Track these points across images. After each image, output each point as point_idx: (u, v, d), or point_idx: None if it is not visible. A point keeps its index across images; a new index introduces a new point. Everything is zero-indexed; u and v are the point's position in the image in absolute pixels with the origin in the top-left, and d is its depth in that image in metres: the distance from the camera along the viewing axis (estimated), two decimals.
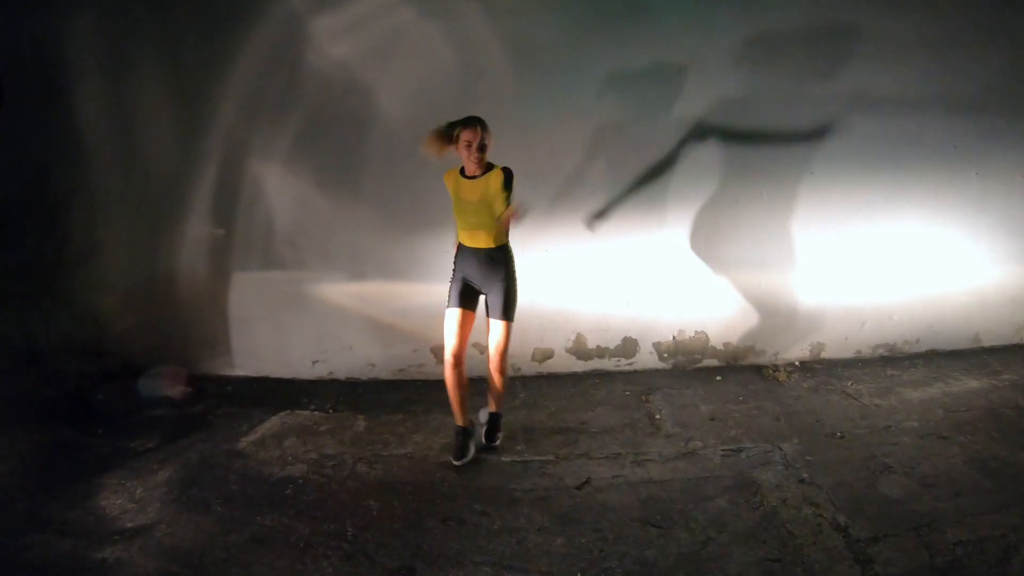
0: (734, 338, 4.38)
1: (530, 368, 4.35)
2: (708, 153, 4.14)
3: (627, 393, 4.01)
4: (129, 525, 2.90)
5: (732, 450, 3.35)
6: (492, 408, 3.53)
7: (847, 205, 4.33)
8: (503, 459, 3.31)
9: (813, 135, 4.22)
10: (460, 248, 3.36)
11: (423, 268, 4.20)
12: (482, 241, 3.26)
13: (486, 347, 3.40)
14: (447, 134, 3.16)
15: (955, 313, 4.54)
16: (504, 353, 3.33)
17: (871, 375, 4.26)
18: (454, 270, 3.37)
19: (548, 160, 4.12)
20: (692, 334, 4.35)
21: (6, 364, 4.41)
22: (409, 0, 4.04)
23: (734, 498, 2.92)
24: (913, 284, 4.49)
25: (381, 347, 4.34)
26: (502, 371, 3.38)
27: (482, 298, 3.36)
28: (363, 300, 4.29)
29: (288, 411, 3.97)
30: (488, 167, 3.20)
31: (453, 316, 3.31)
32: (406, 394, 4.16)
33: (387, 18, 4.08)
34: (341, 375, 4.42)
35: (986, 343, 4.58)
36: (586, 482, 3.04)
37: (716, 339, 4.37)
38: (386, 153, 4.14)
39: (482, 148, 3.15)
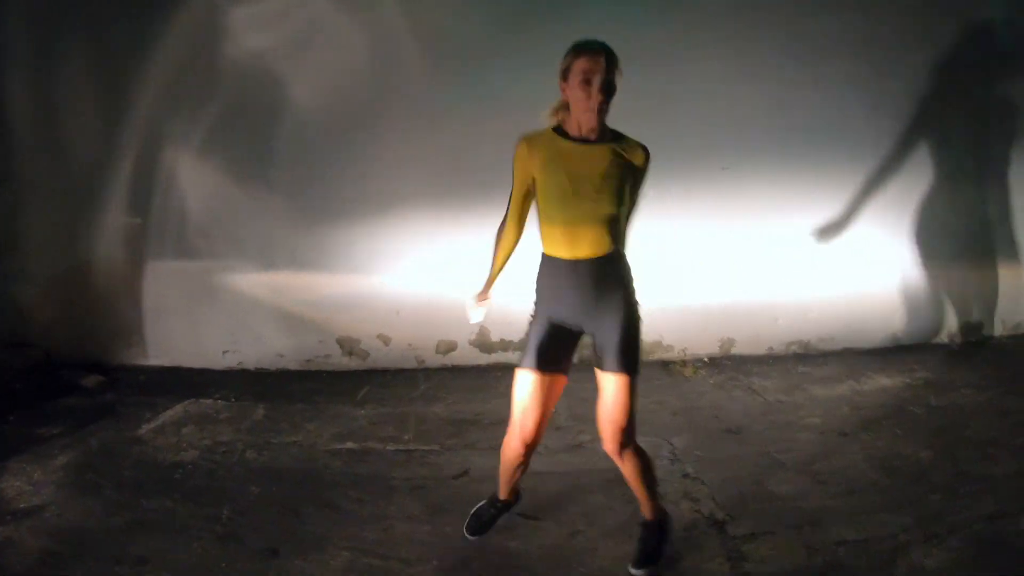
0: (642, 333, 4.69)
1: (434, 360, 4.62)
2: None
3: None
4: (22, 506, 3.12)
5: None
6: (646, 512, 2.57)
7: (762, 201, 4.59)
8: (388, 448, 3.58)
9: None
10: (546, 264, 2.37)
11: (332, 259, 4.46)
12: (590, 246, 2.28)
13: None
14: (559, 79, 2.28)
15: (873, 312, 4.84)
16: (626, 430, 2.36)
17: (781, 372, 4.53)
18: (537, 304, 2.42)
19: (459, 150, 4.34)
20: None
21: None
22: None
23: (612, 492, 3.05)
24: (829, 282, 4.76)
25: (289, 338, 4.60)
26: (628, 450, 2.41)
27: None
28: (273, 290, 4.54)
29: (193, 400, 4.22)
30: (609, 132, 2.32)
31: (528, 383, 2.35)
32: (310, 384, 4.42)
33: (304, 9, 4.31)
34: (251, 365, 4.67)
35: (906, 342, 4.87)
36: (464, 473, 3.31)
37: None
38: (298, 144, 4.38)
39: (609, 89, 2.20)
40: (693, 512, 2.94)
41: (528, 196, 2.38)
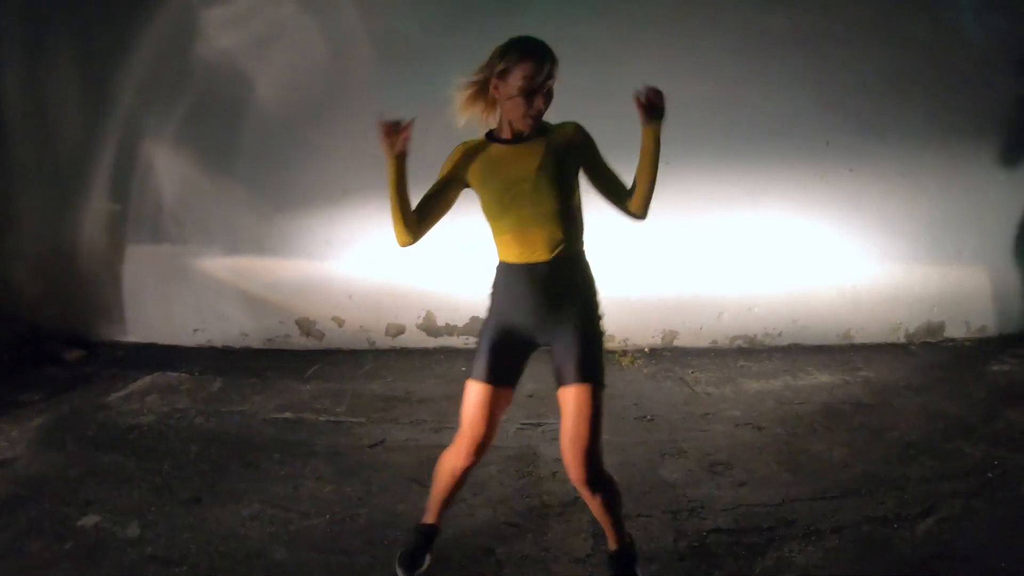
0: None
1: (384, 342, 5.03)
2: None
3: (463, 369, 4.70)
4: None
5: (531, 424, 3.86)
6: (611, 543, 2.42)
7: (707, 197, 4.80)
8: (320, 419, 4.00)
9: None
10: (501, 271, 2.31)
11: (290, 245, 4.90)
12: (543, 247, 2.20)
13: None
14: (488, 74, 2.19)
15: (824, 309, 5.02)
16: (590, 451, 2.18)
17: (720, 365, 4.72)
18: (490, 312, 2.33)
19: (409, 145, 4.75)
20: None
21: None
22: None
23: (507, 467, 3.34)
24: (777, 278, 4.96)
25: (252, 318, 5.05)
26: (596, 478, 2.23)
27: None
28: (237, 274, 4.99)
29: (160, 373, 4.69)
30: (539, 127, 2.22)
31: (478, 395, 2.26)
32: (268, 362, 4.85)
33: (269, 11, 4.71)
34: (218, 343, 5.13)
35: (858, 340, 5.04)
36: (380, 443, 3.70)
37: None
38: (261, 136, 4.79)
39: (549, 94, 2.16)
40: (576, 491, 3.25)
41: (440, 196, 2.31)
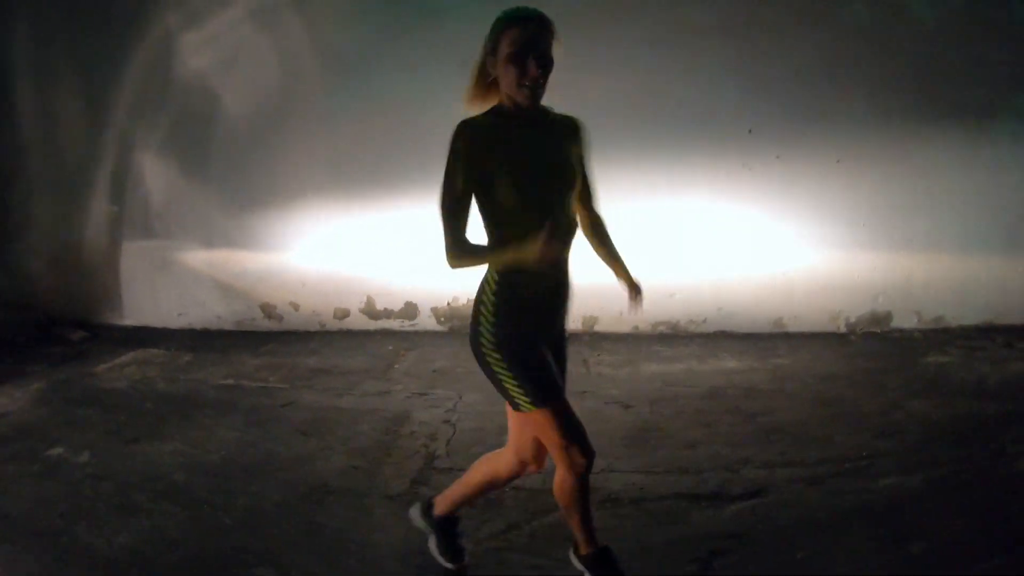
0: None
1: (332, 324, 5.92)
2: None
3: (390, 348, 5.52)
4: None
5: (419, 394, 4.50)
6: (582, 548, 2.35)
7: (628, 185, 4.98)
8: (254, 385, 4.89)
9: None
10: (510, 277, 2.12)
11: (254, 238, 5.85)
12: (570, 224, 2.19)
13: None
14: (484, 56, 2.11)
15: (753, 296, 5.22)
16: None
17: (632, 349, 5.10)
18: (509, 331, 2.13)
19: (352, 146, 5.53)
20: (465, 301, 5.73)
21: None
22: (248, 18, 5.55)
23: (378, 426, 3.97)
24: (702, 265, 5.22)
25: (224, 303, 6.02)
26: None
27: None
28: (211, 264, 5.96)
29: (143, 350, 5.72)
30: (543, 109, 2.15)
31: (562, 405, 2.16)
32: (234, 341, 5.81)
33: (232, 34, 5.62)
34: (198, 326, 6.13)
35: (791, 329, 5.23)
36: (290, 403, 4.54)
37: None
38: (228, 144, 5.74)
39: (546, 62, 2.04)
40: (422, 447, 3.73)
41: (469, 196, 2.06)
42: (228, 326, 6.06)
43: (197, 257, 6.01)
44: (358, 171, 5.55)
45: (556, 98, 4.93)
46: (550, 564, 2.66)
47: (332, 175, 5.57)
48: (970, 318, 5.15)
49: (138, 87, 5.83)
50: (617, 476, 3.24)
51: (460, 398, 4.42)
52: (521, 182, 2.03)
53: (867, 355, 4.80)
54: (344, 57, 5.49)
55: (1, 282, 6.33)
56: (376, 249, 5.66)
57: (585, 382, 4.51)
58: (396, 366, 5.18)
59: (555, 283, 2.18)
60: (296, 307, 5.84)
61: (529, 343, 2.12)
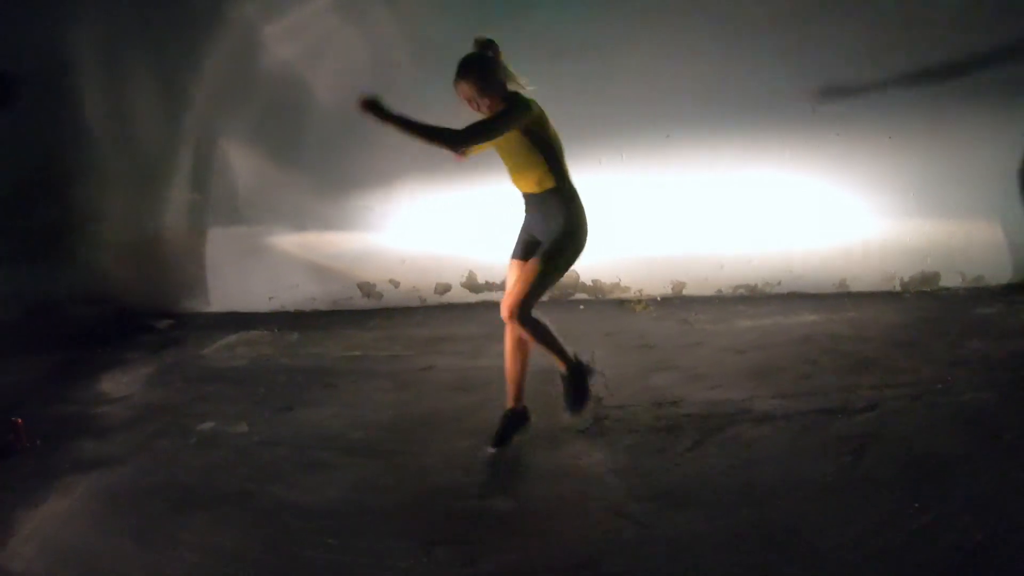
0: (602, 276, 5.93)
1: (433, 299, 6.00)
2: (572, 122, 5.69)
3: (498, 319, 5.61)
4: (117, 396, 4.57)
5: None
6: (560, 367, 3.48)
7: (707, 164, 5.58)
8: (380, 354, 4.95)
9: None
10: (574, 189, 3.29)
11: (350, 221, 5.90)
12: (523, 185, 3.28)
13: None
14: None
15: (820, 260, 5.69)
16: (515, 296, 3.21)
17: (720, 309, 5.47)
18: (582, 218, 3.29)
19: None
20: None
21: (23, 313, 6.15)
22: (334, 10, 5.63)
23: (530, 379, 4.15)
24: (774, 234, 5.69)
25: (319, 285, 6.05)
26: (513, 315, 3.24)
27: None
28: (305, 247, 6.01)
29: (244, 332, 5.73)
30: (505, 100, 3.14)
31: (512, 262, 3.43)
32: (335, 319, 5.85)
33: (318, 25, 5.69)
34: (290, 308, 6.15)
35: (853, 289, 5.68)
36: (429, 367, 4.63)
37: (586, 277, 5.89)
38: (320, 132, 5.78)
39: (480, 105, 3.16)
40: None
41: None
42: (323, 307, 6.08)
43: (289, 241, 6.04)
44: (450, 154, 5.60)
45: (636, 84, 5.15)
46: None
47: (427, 157, 5.54)
48: (1006, 277, 5.62)
49: (219, 76, 5.84)
50: (759, 401, 3.75)
51: (593, 352, 4.53)
52: (556, 138, 3.24)
53: (922, 309, 5.27)
54: (434, 49, 5.52)
55: (73, 276, 6.25)
56: (476, 224, 5.75)
57: (696, 335, 4.97)
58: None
59: (530, 203, 3.33)
60: (396, 284, 5.91)
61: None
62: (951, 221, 5.61)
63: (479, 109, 3.14)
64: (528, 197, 3.30)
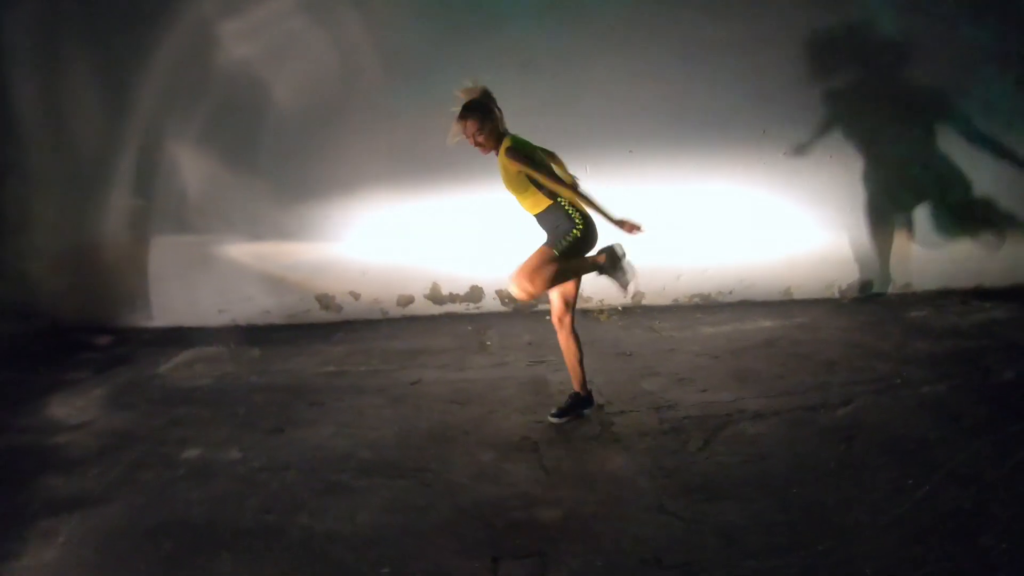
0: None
1: (396, 311, 5.93)
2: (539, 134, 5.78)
3: (469, 328, 5.62)
4: (73, 422, 4.21)
5: (536, 362, 4.84)
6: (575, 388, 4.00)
7: (661, 179, 5.88)
8: (359, 369, 4.86)
9: None
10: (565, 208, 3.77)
11: (309, 230, 5.74)
12: (527, 208, 3.77)
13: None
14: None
15: (767, 270, 6.07)
16: (523, 269, 3.65)
17: (680, 317, 5.79)
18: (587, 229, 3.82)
19: (410, 140, 5.59)
20: None
21: None
22: (301, 10, 5.46)
23: (523, 389, 4.31)
24: (726, 246, 6.03)
25: (274, 297, 5.85)
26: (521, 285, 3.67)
27: None
28: (259, 258, 5.78)
29: (199, 348, 5.45)
30: (500, 140, 3.67)
31: None
32: (294, 333, 5.67)
33: (282, 25, 5.52)
34: (242, 321, 5.90)
35: (797, 296, 6.11)
36: (417, 381, 4.59)
37: None
38: (279, 136, 5.61)
39: (476, 138, 3.64)
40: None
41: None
42: (279, 320, 5.88)
43: (242, 250, 5.80)
44: (418, 165, 5.61)
45: (604, 101, 5.33)
46: None
47: (393, 168, 5.59)
48: (930, 284, 6.14)
49: (170, 74, 5.56)
50: (748, 401, 4.04)
51: None
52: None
53: (862, 313, 5.71)
54: (404, 58, 5.55)
55: (0, 288, 5.78)
56: (440, 236, 5.73)
57: (667, 342, 5.23)
58: (488, 343, 5.30)
59: (539, 224, 3.79)
60: (357, 296, 5.78)
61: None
62: (882, 234, 6.07)
63: (474, 142, 3.67)
64: (535, 218, 3.78)
